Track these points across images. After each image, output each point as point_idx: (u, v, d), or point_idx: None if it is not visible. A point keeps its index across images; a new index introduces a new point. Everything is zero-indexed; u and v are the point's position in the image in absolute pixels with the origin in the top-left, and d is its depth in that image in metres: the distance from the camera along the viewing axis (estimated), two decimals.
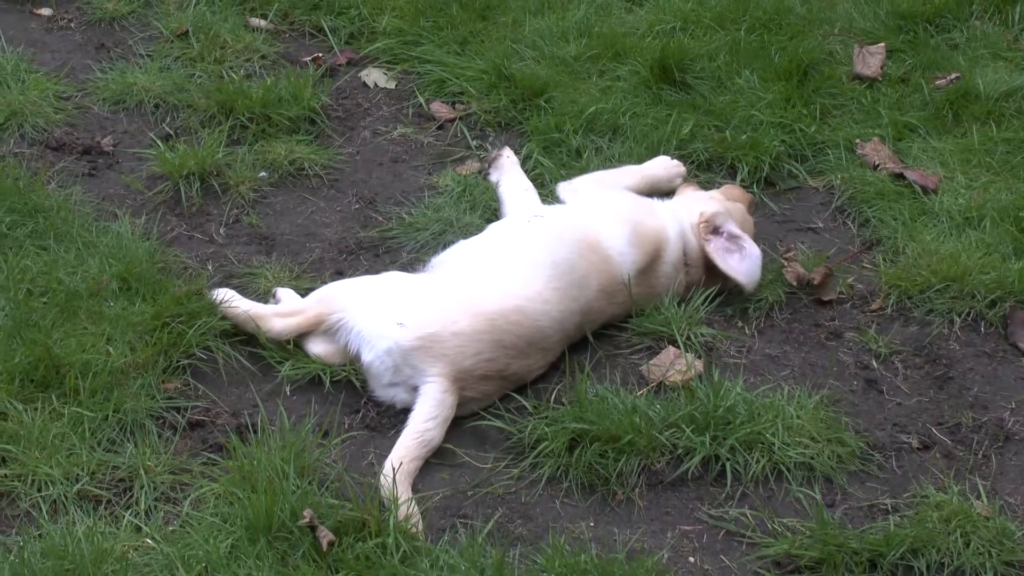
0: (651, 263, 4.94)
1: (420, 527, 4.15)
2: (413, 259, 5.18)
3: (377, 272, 5.01)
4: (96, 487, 4.20)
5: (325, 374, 4.62)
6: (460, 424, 4.53)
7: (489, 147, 5.73)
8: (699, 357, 4.80)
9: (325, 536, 4.00)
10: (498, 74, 6.05)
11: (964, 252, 5.19)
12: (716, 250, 5.02)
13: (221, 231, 5.32)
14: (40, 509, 4.12)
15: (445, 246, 5.09)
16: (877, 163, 5.70)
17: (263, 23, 6.45)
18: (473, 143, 5.82)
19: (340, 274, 5.08)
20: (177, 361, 4.62)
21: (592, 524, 4.27)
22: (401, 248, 5.27)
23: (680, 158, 5.61)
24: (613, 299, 4.86)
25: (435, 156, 5.79)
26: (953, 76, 6.18)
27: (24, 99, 5.78)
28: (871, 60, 6.28)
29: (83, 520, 4.07)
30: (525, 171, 5.50)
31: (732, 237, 5.04)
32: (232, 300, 4.75)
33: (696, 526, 4.29)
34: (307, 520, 4.01)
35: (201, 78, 6.04)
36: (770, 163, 5.69)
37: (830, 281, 5.13)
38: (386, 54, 6.32)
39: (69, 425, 4.34)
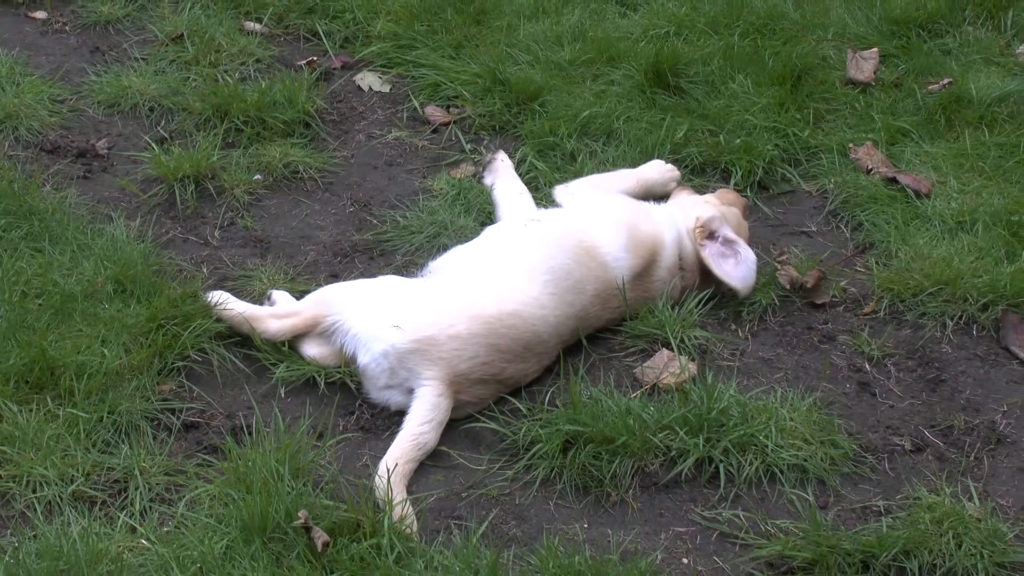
0: (647, 268, 4.95)
1: (415, 528, 4.16)
2: (407, 262, 5.19)
3: (372, 275, 5.03)
4: (91, 488, 4.21)
5: (320, 376, 4.63)
6: (455, 426, 4.54)
7: (483, 151, 5.74)
8: (693, 360, 4.81)
9: (320, 537, 4.00)
10: (493, 78, 6.07)
11: (957, 256, 5.20)
12: (711, 255, 5.03)
13: (216, 234, 5.33)
14: (35, 510, 4.12)
15: (440, 249, 5.11)
16: (870, 167, 5.71)
17: (258, 27, 6.47)
18: (467, 147, 5.83)
19: (335, 277, 5.09)
20: (172, 363, 4.63)
21: (586, 525, 4.28)
22: (396, 251, 5.28)
23: (674, 162, 5.63)
24: (608, 304, 4.88)
25: (430, 160, 5.80)
26: (946, 81, 6.20)
27: (19, 102, 5.79)
28: (864, 65, 6.30)
29: (78, 521, 4.08)
30: (519, 175, 5.51)
31: (727, 242, 5.06)
32: (227, 302, 4.76)
33: (690, 527, 4.30)
34: (302, 521, 4.01)
35: (196, 81, 6.05)
36: (764, 167, 5.70)
37: (823, 284, 5.15)
38: (381, 58, 6.33)
39: (64, 426, 4.34)
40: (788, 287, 5.11)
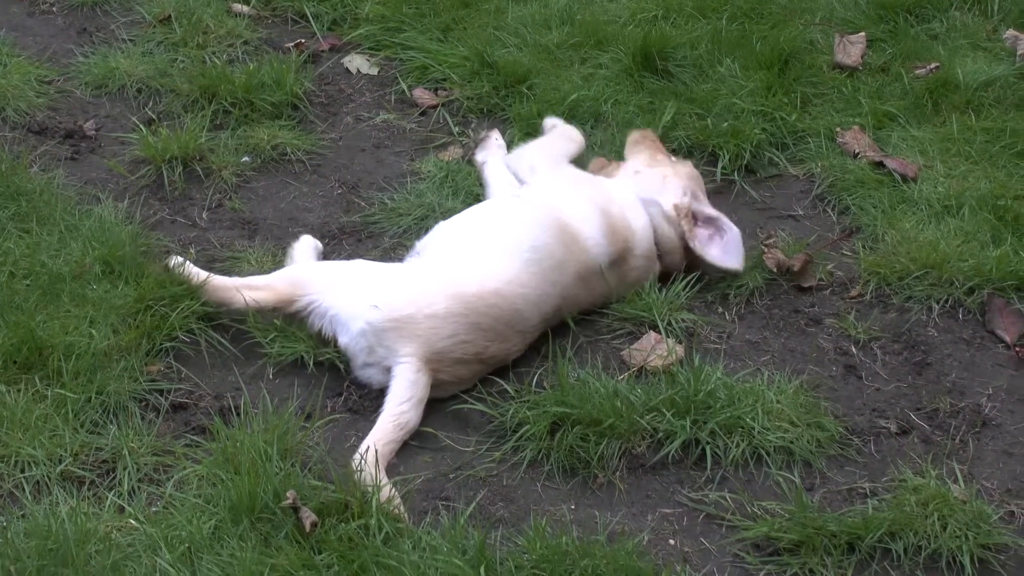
0: (622, 256, 4.96)
1: (401, 509, 4.17)
2: (395, 244, 5.20)
3: (360, 257, 5.04)
4: (79, 468, 4.21)
5: (308, 357, 4.64)
6: (442, 407, 4.55)
7: (472, 132, 5.74)
8: (680, 342, 4.82)
9: (308, 517, 4.01)
10: (481, 61, 6.07)
11: (943, 240, 5.22)
12: (703, 247, 5.04)
13: (204, 215, 5.34)
14: (23, 490, 4.12)
15: (427, 231, 5.10)
16: (857, 151, 5.72)
17: (245, 9, 6.46)
18: (455, 129, 5.84)
19: (323, 258, 5.09)
20: (160, 344, 4.62)
21: (573, 507, 4.29)
22: (383, 233, 5.28)
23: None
24: (588, 285, 4.89)
25: (417, 142, 5.80)
26: (933, 66, 6.22)
27: (6, 83, 5.79)
28: (852, 49, 6.31)
29: (66, 501, 4.08)
30: None
31: (708, 220, 5.07)
32: (188, 267, 4.76)
33: (676, 509, 4.31)
34: (290, 501, 4.02)
35: (184, 63, 6.05)
36: (751, 151, 5.71)
37: (810, 268, 5.16)
38: (369, 40, 6.33)
39: (52, 407, 4.34)
40: (775, 270, 5.12)
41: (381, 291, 4.60)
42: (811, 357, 4.84)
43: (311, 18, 6.44)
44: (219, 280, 4.75)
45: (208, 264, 5.01)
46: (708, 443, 4.43)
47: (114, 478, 4.21)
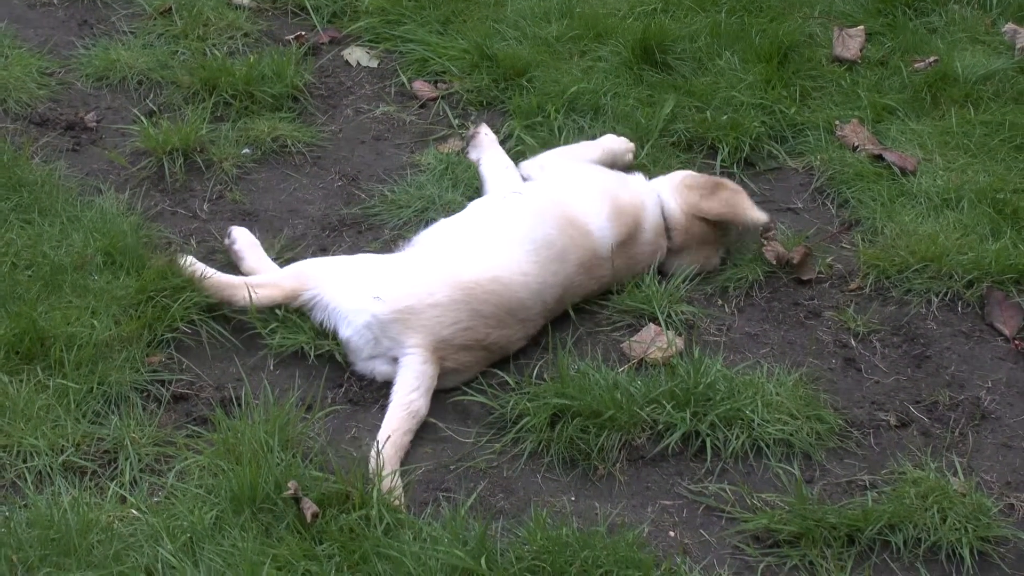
0: (631, 235, 4.97)
1: (403, 500, 4.18)
2: (395, 236, 5.20)
3: (360, 249, 5.06)
4: (81, 458, 4.22)
5: (309, 348, 4.65)
6: (443, 399, 4.56)
7: (470, 125, 5.75)
8: (680, 335, 4.84)
9: (309, 508, 4.02)
10: (480, 54, 6.08)
11: (942, 233, 5.23)
12: (721, 204, 5.10)
13: (204, 207, 5.34)
14: (26, 479, 4.13)
15: (427, 223, 5.12)
16: (856, 144, 5.74)
17: (246, 1, 6.47)
18: (455, 122, 5.84)
19: (323, 250, 5.11)
20: (161, 335, 4.64)
21: (573, 498, 4.31)
22: (383, 225, 5.29)
23: (661, 138, 5.65)
24: (592, 274, 4.90)
25: (417, 134, 5.81)
26: (931, 59, 6.22)
27: (7, 75, 5.79)
28: (851, 43, 6.32)
29: (68, 491, 4.10)
30: (507, 149, 5.53)
31: (715, 186, 5.13)
32: (206, 272, 4.78)
33: (676, 501, 4.33)
34: (291, 492, 4.03)
35: (184, 55, 6.05)
36: (750, 144, 5.73)
37: (809, 261, 5.17)
38: (369, 33, 6.34)
39: (54, 397, 4.36)
40: (775, 263, 5.13)
41: (382, 283, 4.62)
42: (810, 350, 4.85)
43: (311, 11, 6.44)
44: (225, 278, 4.76)
45: (208, 255, 5.02)
46: (708, 435, 4.44)
47: (116, 468, 4.22)
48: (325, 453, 4.29)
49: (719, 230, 5.16)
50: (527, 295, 4.71)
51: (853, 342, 4.91)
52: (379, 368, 4.59)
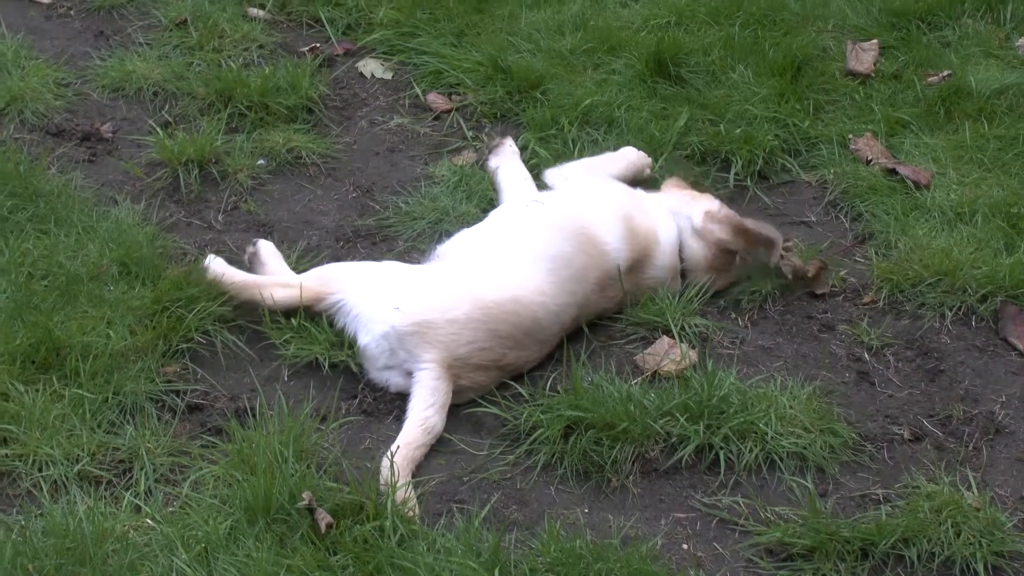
0: (639, 262, 4.98)
1: (417, 511, 4.19)
2: (409, 247, 5.22)
3: (374, 260, 5.06)
4: (96, 468, 4.23)
5: (323, 359, 4.66)
6: (457, 411, 4.57)
7: (486, 137, 5.76)
8: (693, 347, 4.84)
9: (323, 518, 4.03)
10: (494, 66, 6.09)
11: (956, 247, 5.23)
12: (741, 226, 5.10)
13: (219, 218, 5.36)
14: (41, 489, 4.14)
15: (441, 235, 5.14)
16: (870, 158, 5.74)
17: (261, 13, 6.49)
18: (469, 134, 5.85)
19: (337, 261, 5.10)
20: (176, 345, 4.65)
21: (587, 510, 4.31)
22: (397, 236, 5.30)
23: (675, 151, 5.66)
24: (606, 293, 4.91)
25: (431, 146, 5.82)
26: (945, 73, 6.23)
27: (24, 85, 5.82)
28: (864, 56, 6.33)
29: (84, 500, 4.11)
30: (523, 161, 5.54)
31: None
32: (220, 267, 4.80)
33: (690, 513, 4.33)
34: (306, 502, 4.04)
35: (200, 67, 6.07)
36: (764, 157, 5.73)
37: (823, 274, 5.17)
38: (383, 45, 6.36)
39: (70, 406, 4.37)
40: (789, 276, 5.13)
41: (404, 294, 4.63)
42: (824, 363, 4.85)
43: (326, 23, 6.47)
44: (250, 278, 4.78)
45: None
46: (721, 448, 4.44)
47: (131, 478, 4.23)
48: (339, 464, 4.30)
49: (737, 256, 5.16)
50: (545, 315, 4.72)
51: (867, 356, 4.91)
52: (393, 379, 4.60)
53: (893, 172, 5.67)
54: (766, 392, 4.60)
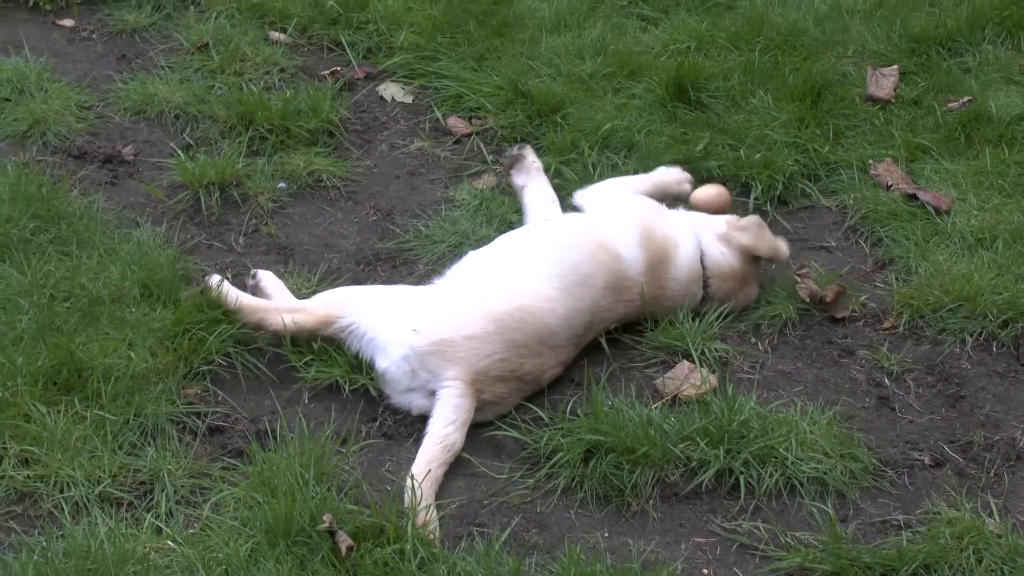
0: (657, 264, 4.98)
1: (438, 534, 4.19)
2: (429, 271, 5.22)
3: (394, 283, 5.07)
4: (118, 489, 4.24)
5: (344, 382, 4.66)
6: (477, 434, 4.57)
7: (507, 149, 5.73)
8: (713, 372, 4.84)
9: (344, 541, 4.03)
10: (514, 90, 6.11)
11: (976, 272, 5.22)
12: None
13: (240, 240, 5.37)
14: (63, 510, 4.16)
15: (462, 259, 5.14)
16: (890, 183, 5.74)
17: (282, 37, 6.51)
18: (489, 158, 5.87)
19: (357, 284, 5.12)
20: (197, 367, 4.66)
21: (607, 534, 4.31)
22: (418, 260, 5.32)
23: (693, 175, 5.66)
24: (621, 296, 4.90)
25: (452, 170, 5.84)
26: (965, 99, 6.23)
27: (47, 108, 5.85)
28: (884, 82, 6.33)
29: (105, 521, 4.12)
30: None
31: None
32: (230, 293, 4.80)
33: (710, 538, 4.32)
34: (326, 525, 4.05)
35: (221, 90, 6.09)
36: (784, 182, 5.73)
37: (842, 299, 5.17)
38: (403, 69, 6.37)
39: (91, 428, 4.38)
40: (807, 300, 5.13)
41: (419, 315, 4.64)
42: (844, 388, 4.85)
43: (347, 46, 6.49)
44: (257, 301, 4.79)
45: (243, 289, 5.04)
46: (742, 473, 4.44)
47: (152, 500, 4.24)
48: (360, 487, 4.31)
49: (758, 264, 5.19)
50: (554, 321, 4.72)
51: (887, 381, 4.91)
52: (416, 402, 4.60)
53: (913, 197, 5.67)
54: (786, 417, 4.60)
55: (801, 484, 4.44)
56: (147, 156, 5.74)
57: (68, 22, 6.54)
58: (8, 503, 4.20)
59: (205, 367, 4.67)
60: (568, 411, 4.64)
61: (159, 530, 4.12)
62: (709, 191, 5.46)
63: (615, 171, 5.69)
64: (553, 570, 4.10)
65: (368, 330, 4.68)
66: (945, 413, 4.79)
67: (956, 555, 4.18)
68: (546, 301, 4.74)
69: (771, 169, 5.74)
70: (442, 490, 4.39)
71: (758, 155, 5.79)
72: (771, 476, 4.44)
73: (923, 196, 5.66)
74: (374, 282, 5.16)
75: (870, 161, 5.86)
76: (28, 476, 4.24)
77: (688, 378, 4.79)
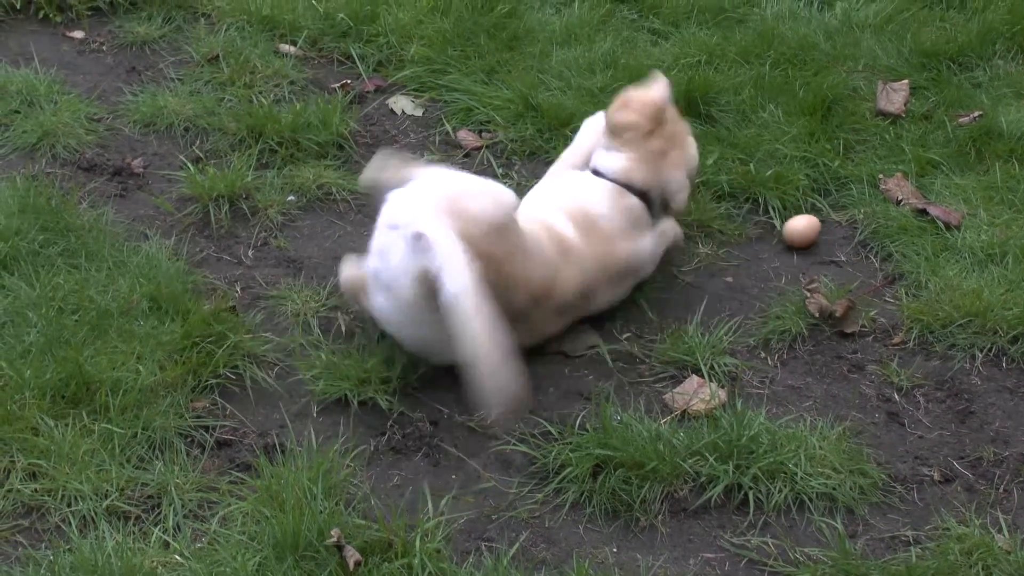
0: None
1: None
2: None
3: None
4: (125, 503, 4.24)
5: (352, 395, 4.66)
6: (486, 447, 4.57)
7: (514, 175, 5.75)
8: (722, 387, 4.83)
9: (352, 556, 4.03)
10: (525, 103, 6.11)
11: (986, 288, 5.22)
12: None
13: (249, 253, 5.37)
14: (70, 524, 4.16)
15: None
16: (900, 198, 5.73)
17: (292, 49, 6.51)
18: (499, 171, 5.86)
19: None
20: (205, 380, 4.66)
21: (615, 549, 4.30)
22: None
23: (705, 190, 5.66)
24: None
25: None
26: (976, 114, 6.23)
27: (56, 120, 5.85)
28: (894, 97, 6.32)
29: (112, 535, 4.11)
30: None
31: None
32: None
33: (718, 554, 4.32)
34: (334, 539, 4.04)
35: (231, 102, 6.09)
36: (794, 197, 5.72)
37: (852, 314, 5.16)
38: (414, 82, 6.37)
39: (99, 441, 4.38)
40: (817, 315, 5.12)
41: None
42: (854, 403, 4.84)
43: (357, 59, 6.49)
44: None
45: (253, 302, 5.05)
46: (751, 488, 4.43)
47: (159, 513, 4.24)
48: (368, 501, 4.30)
49: None
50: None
51: (896, 396, 4.90)
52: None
53: (923, 212, 5.66)
54: (795, 432, 4.59)
55: (810, 499, 4.43)
56: (156, 169, 5.74)
57: (78, 34, 6.54)
58: (15, 517, 4.20)
59: (214, 380, 4.67)
60: (577, 426, 4.63)
61: (166, 544, 4.12)
62: (800, 223, 5.48)
63: None
64: None
65: None
66: (955, 429, 4.78)
67: (965, 571, 4.17)
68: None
69: (781, 183, 5.73)
70: (451, 505, 4.37)
71: (768, 170, 5.78)
72: (780, 491, 4.43)
73: (933, 211, 5.65)
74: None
75: (880, 176, 5.85)
76: (36, 490, 4.24)
77: (697, 393, 4.79)
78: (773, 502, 4.42)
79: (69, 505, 4.21)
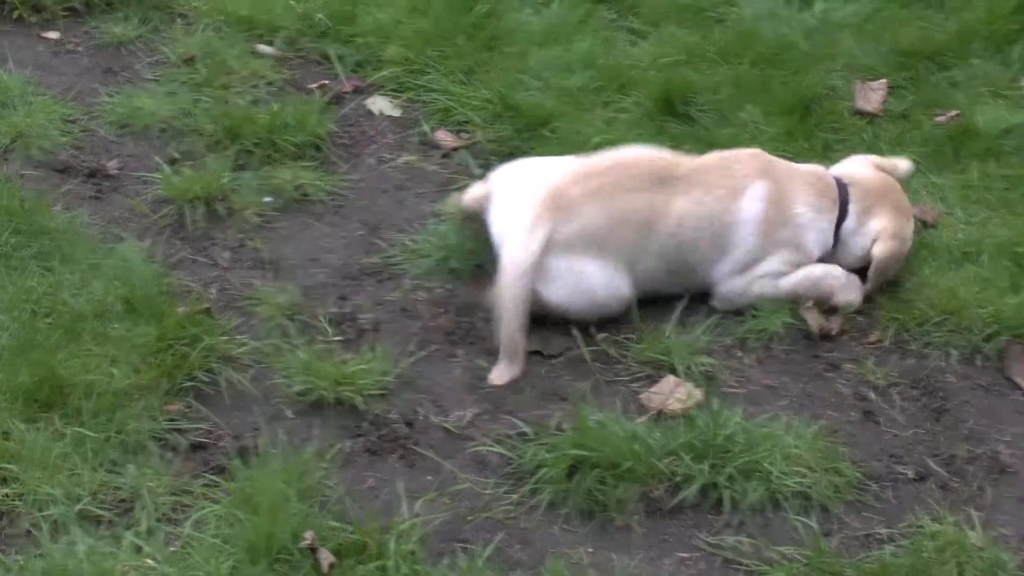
0: None
1: None
2: (416, 286, 5.21)
3: (379, 300, 5.07)
4: (98, 507, 4.22)
5: (328, 397, 4.65)
6: (461, 448, 4.56)
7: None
8: (699, 386, 4.83)
9: (326, 558, 4.02)
10: (503, 103, 6.10)
11: (962, 286, 5.21)
12: None
13: (225, 255, 5.36)
14: (41, 528, 4.13)
15: (449, 272, 5.14)
16: None
17: (270, 50, 6.50)
18: (477, 172, 5.85)
19: (343, 299, 5.12)
20: (180, 383, 4.64)
21: (591, 550, 4.29)
22: (404, 275, 5.30)
23: None
24: None
25: (439, 184, 5.82)
26: (953, 113, 6.23)
27: (30, 121, 5.83)
28: (872, 96, 6.33)
29: (84, 540, 4.08)
30: None
31: None
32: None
33: (694, 553, 4.31)
34: (308, 542, 4.03)
35: (207, 103, 6.08)
36: None
37: (835, 317, 5.16)
38: (392, 82, 6.36)
39: (71, 445, 4.35)
40: (816, 331, 5.10)
41: None
42: (829, 402, 4.84)
43: (335, 60, 6.48)
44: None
45: (229, 304, 5.04)
46: (726, 487, 4.42)
47: (132, 517, 4.21)
48: (343, 503, 4.29)
49: None
50: None
51: (872, 395, 4.90)
52: None
53: None
54: (771, 431, 4.58)
55: (785, 498, 4.42)
56: (132, 170, 5.73)
57: (53, 34, 6.53)
58: None
59: (188, 383, 4.65)
60: (553, 426, 4.63)
61: (139, 548, 4.09)
62: None
63: None
64: None
65: None
66: (929, 427, 4.78)
67: (938, 568, 4.17)
68: None
69: None
70: (425, 506, 4.36)
71: None
72: (755, 490, 4.42)
73: None
74: (360, 297, 5.16)
75: None
76: (6, 494, 4.21)
77: (673, 392, 4.78)
78: (748, 501, 4.41)
79: (40, 510, 4.18)
